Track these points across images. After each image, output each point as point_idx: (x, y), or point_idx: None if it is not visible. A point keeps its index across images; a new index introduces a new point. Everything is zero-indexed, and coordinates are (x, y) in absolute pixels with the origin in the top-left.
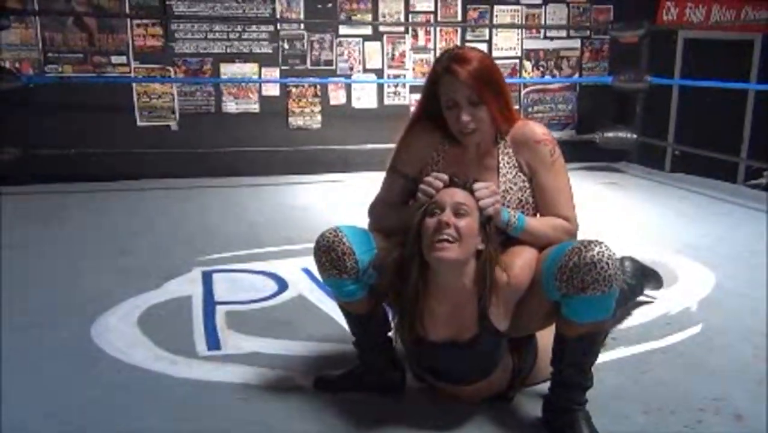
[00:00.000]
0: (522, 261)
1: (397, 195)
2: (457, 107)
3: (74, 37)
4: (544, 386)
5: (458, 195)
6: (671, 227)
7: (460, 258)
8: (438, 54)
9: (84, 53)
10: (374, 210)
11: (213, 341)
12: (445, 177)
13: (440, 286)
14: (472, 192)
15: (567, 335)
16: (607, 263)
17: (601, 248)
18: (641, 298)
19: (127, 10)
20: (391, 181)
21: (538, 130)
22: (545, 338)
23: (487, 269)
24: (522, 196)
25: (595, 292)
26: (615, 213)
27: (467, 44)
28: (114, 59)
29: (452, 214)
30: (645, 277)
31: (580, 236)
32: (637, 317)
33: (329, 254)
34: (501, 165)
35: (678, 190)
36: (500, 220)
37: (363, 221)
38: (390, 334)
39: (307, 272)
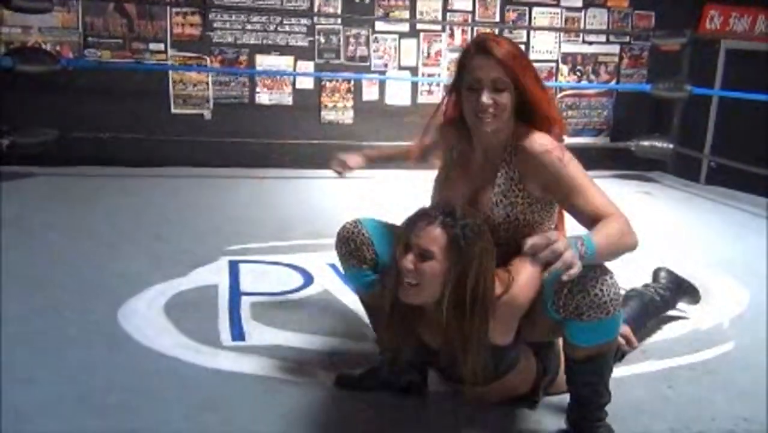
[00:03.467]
0: (523, 278)
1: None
2: (479, 88)
3: (114, 23)
4: (567, 397)
5: (427, 237)
6: (704, 241)
7: (419, 301)
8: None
9: (123, 39)
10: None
11: (237, 332)
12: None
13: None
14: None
15: (573, 357)
16: (602, 290)
17: (595, 273)
18: (674, 312)
19: None
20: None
21: (539, 141)
22: None
23: (461, 293)
24: (510, 211)
25: (591, 319)
26: (647, 224)
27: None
28: (152, 46)
29: (417, 256)
30: (681, 290)
31: None
32: (667, 332)
33: (348, 244)
34: (498, 175)
35: (713, 203)
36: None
37: (389, 219)
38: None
39: (333, 267)
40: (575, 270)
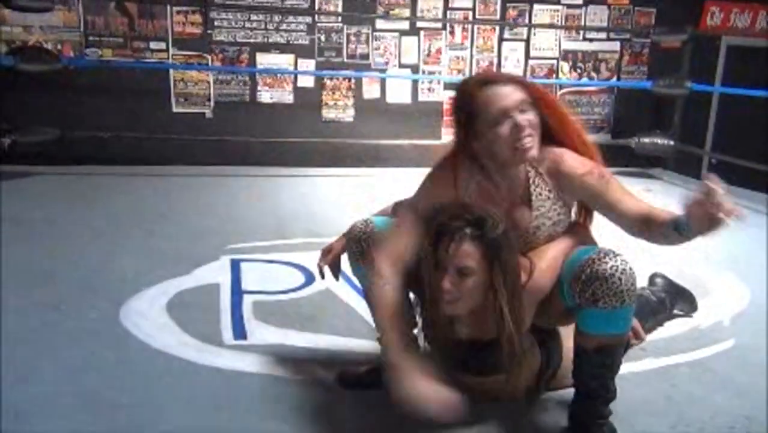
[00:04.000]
0: (545, 264)
1: (409, 249)
2: (507, 116)
3: (115, 22)
4: (570, 393)
5: (462, 254)
6: (704, 238)
7: (463, 313)
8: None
9: (124, 38)
10: (400, 211)
11: (239, 331)
12: None
13: None
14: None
15: (584, 347)
16: (620, 278)
17: (615, 261)
18: (676, 312)
19: None
20: (408, 228)
21: (577, 162)
22: (570, 340)
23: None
24: (554, 230)
25: (606, 306)
26: None
27: (505, 43)
28: (153, 45)
29: (455, 274)
30: (677, 296)
31: (609, 244)
32: (668, 330)
33: (360, 244)
34: (534, 197)
35: None
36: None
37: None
38: (414, 332)
39: None
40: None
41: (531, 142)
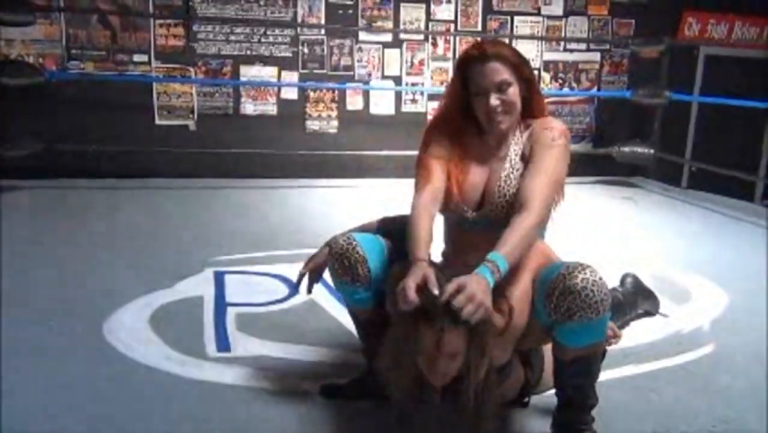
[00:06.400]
0: (519, 300)
1: (439, 179)
2: (486, 93)
3: (97, 35)
4: (554, 398)
5: (450, 344)
6: (686, 244)
7: (455, 373)
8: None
9: (106, 51)
10: (419, 202)
11: (223, 343)
12: (414, 300)
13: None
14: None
15: (563, 359)
16: (592, 290)
17: (585, 274)
18: (641, 311)
19: (151, 10)
20: (431, 168)
21: (553, 122)
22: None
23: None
24: (517, 183)
25: (582, 319)
26: (629, 228)
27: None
28: (136, 58)
29: (445, 360)
30: (643, 297)
31: (590, 253)
32: (648, 335)
33: (342, 261)
34: (510, 154)
35: (694, 207)
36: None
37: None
38: None
39: None
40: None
41: (502, 118)
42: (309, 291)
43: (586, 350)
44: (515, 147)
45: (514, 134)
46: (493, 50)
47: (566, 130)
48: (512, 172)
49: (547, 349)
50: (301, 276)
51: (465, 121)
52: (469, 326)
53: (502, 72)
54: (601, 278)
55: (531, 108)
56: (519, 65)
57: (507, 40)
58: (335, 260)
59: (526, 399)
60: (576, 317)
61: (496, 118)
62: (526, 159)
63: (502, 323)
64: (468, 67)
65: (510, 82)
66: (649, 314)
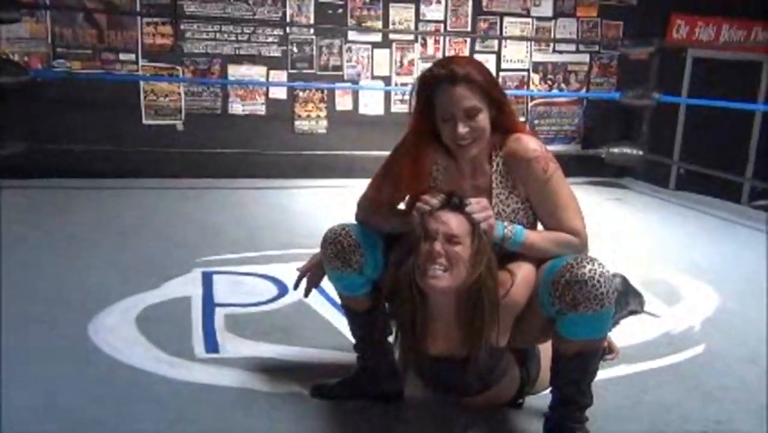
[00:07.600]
0: (520, 277)
1: (385, 199)
2: (454, 119)
3: (84, 33)
4: (547, 399)
5: (452, 222)
6: (675, 245)
7: (451, 285)
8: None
9: (93, 50)
10: (362, 205)
11: (211, 344)
12: (442, 196)
13: (433, 305)
14: (465, 211)
15: (562, 353)
16: (599, 281)
17: (593, 265)
18: (631, 309)
19: (138, 8)
20: (382, 185)
21: (530, 146)
22: (547, 348)
23: (480, 292)
24: (515, 218)
25: (586, 310)
26: (618, 229)
27: (476, 55)
28: (122, 56)
29: (444, 242)
30: (630, 296)
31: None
32: (639, 336)
33: (335, 246)
34: (494, 185)
35: (682, 208)
36: (494, 235)
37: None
38: (390, 339)
39: None
40: (483, 226)
41: (471, 145)
42: (306, 294)
43: (587, 345)
44: (498, 177)
45: (490, 160)
46: (462, 72)
47: (545, 151)
48: (504, 210)
49: (543, 349)
50: (302, 276)
51: (435, 141)
52: (470, 220)
53: (470, 98)
54: (608, 272)
55: (503, 124)
56: (488, 88)
57: (496, 41)
58: (328, 246)
59: (521, 400)
60: (581, 307)
61: (464, 145)
62: (519, 193)
63: (500, 292)
64: (435, 87)
65: (479, 109)
66: (635, 312)
